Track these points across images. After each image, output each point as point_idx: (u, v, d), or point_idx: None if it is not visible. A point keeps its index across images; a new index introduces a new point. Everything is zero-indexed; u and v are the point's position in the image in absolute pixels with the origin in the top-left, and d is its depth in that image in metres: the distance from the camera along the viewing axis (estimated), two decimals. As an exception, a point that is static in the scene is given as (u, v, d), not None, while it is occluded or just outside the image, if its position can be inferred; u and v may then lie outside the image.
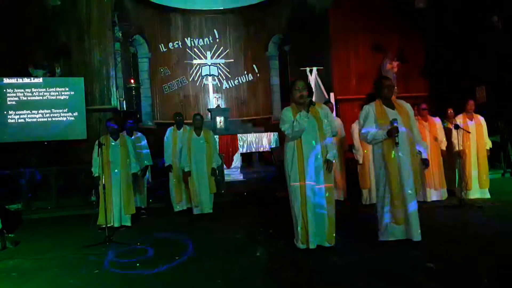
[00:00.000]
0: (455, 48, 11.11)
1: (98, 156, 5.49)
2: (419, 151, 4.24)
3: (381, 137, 4.12)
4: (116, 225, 5.80)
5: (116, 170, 5.85)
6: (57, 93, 10.03)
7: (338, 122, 7.03)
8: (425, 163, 4.29)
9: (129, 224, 5.98)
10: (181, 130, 6.94)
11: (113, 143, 5.90)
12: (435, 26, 11.66)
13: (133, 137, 6.84)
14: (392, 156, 4.10)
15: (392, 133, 4.02)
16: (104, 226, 5.33)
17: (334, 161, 4.16)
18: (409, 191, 4.05)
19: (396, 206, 4.08)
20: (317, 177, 4.06)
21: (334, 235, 4.07)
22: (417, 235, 4.03)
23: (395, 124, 4.02)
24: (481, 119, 6.83)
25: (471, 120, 6.76)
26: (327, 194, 4.07)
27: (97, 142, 5.67)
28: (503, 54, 9.59)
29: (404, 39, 11.69)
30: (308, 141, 4.08)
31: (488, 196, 6.66)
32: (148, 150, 7.28)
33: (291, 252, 4.12)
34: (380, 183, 4.24)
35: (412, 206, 4.05)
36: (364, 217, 5.57)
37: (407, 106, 4.29)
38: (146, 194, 7.26)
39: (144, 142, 7.23)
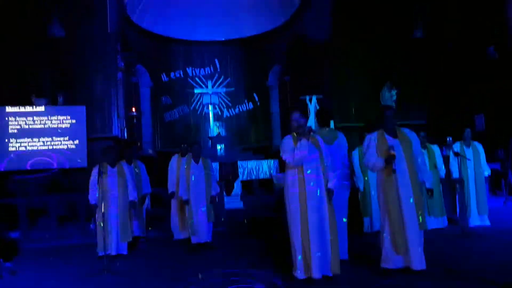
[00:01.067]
0: (454, 77, 11.27)
1: (98, 184, 5.49)
2: (423, 181, 4.24)
3: (380, 165, 4.15)
4: (113, 253, 5.73)
5: (113, 198, 5.83)
6: (59, 122, 10.13)
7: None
8: (428, 193, 4.33)
9: (125, 252, 5.91)
10: (186, 158, 6.97)
11: (110, 171, 5.90)
12: (433, 55, 11.86)
13: (132, 165, 6.85)
14: (391, 184, 4.10)
15: (389, 160, 4.04)
16: (102, 254, 5.26)
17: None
18: (409, 219, 4.03)
19: (396, 234, 4.05)
20: (319, 202, 4.03)
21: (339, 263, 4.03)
22: (418, 264, 3.98)
23: (392, 152, 4.04)
24: (479, 146, 6.86)
25: (468, 147, 6.80)
26: (329, 220, 4.05)
27: (93, 170, 5.71)
28: (501, 83, 9.72)
29: (403, 67, 11.85)
30: (309, 168, 4.08)
31: (487, 223, 6.62)
32: (147, 178, 7.28)
33: (291, 284, 4.01)
34: (381, 211, 4.25)
35: (412, 235, 4.01)
36: (366, 245, 5.51)
37: (411, 135, 4.31)
38: (145, 222, 7.20)
39: (143, 170, 7.23)
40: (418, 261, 3.99)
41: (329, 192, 4.08)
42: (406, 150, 4.16)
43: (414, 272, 3.97)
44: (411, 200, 4.07)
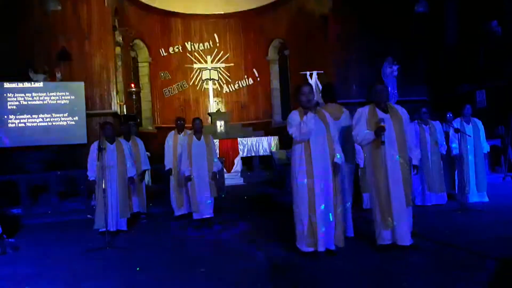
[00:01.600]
0: (455, 53, 11.14)
1: (98, 160, 5.48)
2: (410, 157, 4.26)
3: (370, 137, 4.15)
4: (112, 229, 5.77)
5: (112, 174, 5.82)
6: (58, 98, 10.06)
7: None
8: (415, 169, 4.37)
9: (125, 228, 5.96)
10: (182, 134, 6.96)
11: (109, 147, 5.87)
12: (434, 31, 11.69)
13: (130, 142, 6.84)
14: (379, 160, 4.12)
15: (379, 132, 4.04)
16: (103, 230, 5.32)
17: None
18: (397, 195, 4.06)
19: (385, 210, 4.09)
20: (326, 177, 4.05)
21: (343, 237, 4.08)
22: (404, 239, 4.04)
23: (382, 124, 4.04)
24: (479, 123, 6.84)
25: (468, 124, 6.77)
26: (335, 195, 4.07)
27: (92, 146, 5.73)
28: (503, 59, 9.61)
29: (404, 43, 11.69)
30: (316, 142, 4.06)
31: (486, 199, 6.67)
32: (146, 154, 7.28)
33: (294, 256, 4.08)
34: (370, 185, 4.31)
35: (398, 210, 4.05)
36: (365, 221, 5.55)
37: (402, 110, 4.32)
38: (146, 198, 7.23)
39: (142, 146, 7.22)
40: (404, 238, 4.04)
41: (336, 166, 4.08)
42: (396, 125, 4.17)
43: (402, 247, 4.02)
44: (400, 176, 4.08)
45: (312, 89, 4.24)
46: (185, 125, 7.25)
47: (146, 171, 7.53)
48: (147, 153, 7.43)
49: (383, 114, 4.19)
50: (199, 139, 6.25)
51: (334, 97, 4.98)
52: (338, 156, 4.10)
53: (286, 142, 10.81)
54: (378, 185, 4.14)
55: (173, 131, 7.15)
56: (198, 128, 6.27)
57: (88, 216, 7.08)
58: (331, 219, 4.04)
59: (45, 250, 5.17)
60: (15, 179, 7.79)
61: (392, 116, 4.19)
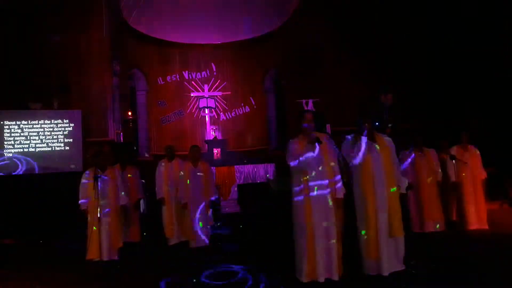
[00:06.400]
0: (450, 82, 11.30)
1: (94, 188, 5.45)
2: (399, 186, 4.29)
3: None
4: (104, 259, 5.65)
5: (104, 203, 5.75)
6: (55, 125, 10.07)
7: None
8: (402, 197, 4.40)
9: (116, 258, 5.82)
10: (173, 161, 6.94)
11: (100, 176, 5.83)
12: (429, 59, 11.89)
13: (125, 171, 6.83)
14: (368, 191, 4.17)
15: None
16: (95, 260, 5.22)
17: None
18: (382, 225, 4.07)
19: (369, 240, 4.10)
20: (325, 208, 4.04)
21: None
22: (387, 269, 4.01)
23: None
24: (475, 150, 6.87)
25: (465, 151, 6.80)
26: (335, 225, 4.06)
27: (84, 174, 5.71)
28: (495, 87, 9.77)
29: (398, 72, 11.87)
30: (316, 174, 4.08)
31: (485, 226, 6.60)
32: (141, 183, 7.23)
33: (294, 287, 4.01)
34: (358, 213, 4.32)
35: (384, 241, 4.05)
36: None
37: (388, 141, 4.40)
38: (140, 227, 7.13)
39: (137, 175, 7.19)
40: (387, 267, 4.02)
41: (337, 200, 4.12)
42: (384, 155, 4.24)
43: (388, 277, 3.99)
44: (385, 206, 4.12)
45: (313, 116, 4.30)
46: (177, 153, 7.23)
47: (141, 200, 7.46)
48: (142, 181, 7.39)
49: (371, 144, 4.26)
50: (196, 166, 6.24)
51: (321, 126, 5.05)
52: (339, 190, 4.14)
53: (282, 169, 10.78)
54: (365, 212, 4.16)
55: (163, 160, 7.14)
56: (195, 156, 6.27)
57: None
58: (330, 249, 4.01)
59: (35, 281, 5.04)
60: (8, 207, 7.69)
61: (380, 147, 4.27)
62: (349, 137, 4.40)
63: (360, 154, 4.22)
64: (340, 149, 4.57)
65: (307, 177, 4.08)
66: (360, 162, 4.22)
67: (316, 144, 4.12)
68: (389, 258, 4.05)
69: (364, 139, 4.27)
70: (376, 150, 4.23)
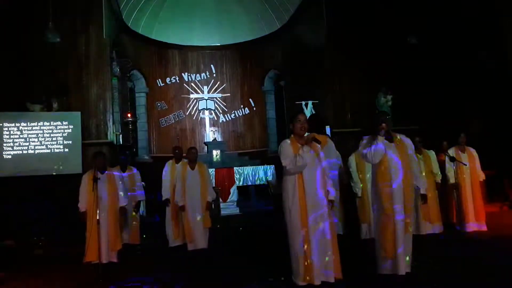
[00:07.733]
0: (448, 82, 11.29)
1: (92, 190, 5.43)
2: (417, 186, 4.26)
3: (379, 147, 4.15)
4: (103, 261, 5.63)
5: (103, 205, 5.71)
6: (54, 127, 10.05)
7: (337, 154, 6.97)
8: (423, 198, 4.40)
9: (115, 260, 5.81)
10: (180, 163, 6.91)
11: (100, 178, 5.80)
12: (428, 60, 11.88)
13: (125, 173, 6.80)
14: (386, 188, 4.12)
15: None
16: (94, 262, 5.21)
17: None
18: (400, 224, 4.02)
19: (386, 239, 4.05)
20: (319, 210, 4.01)
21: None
22: (404, 269, 3.97)
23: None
24: (473, 152, 6.86)
25: (463, 152, 6.79)
26: (330, 228, 4.03)
27: (83, 177, 5.70)
28: (496, 88, 9.77)
29: (398, 73, 11.85)
30: (309, 175, 4.06)
31: (484, 228, 6.59)
32: (141, 185, 7.21)
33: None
34: (375, 215, 4.29)
35: (401, 240, 4.00)
36: (363, 252, 5.48)
37: (407, 140, 4.34)
38: (139, 230, 7.11)
39: (138, 177, 7.17)
40: (403, 266, 3.98)
41: (330, 202, 4.09)
42: (402, 154, 4.17)
43: (403, 276, 3.95)
44: (402, 205, 4.07)
45: (307, 118, 4.28)
46: (183, 155, 7.22)
47: (141, 202, 7.44)
48: (142, 183, 7.36)
49: (389, 144, 4.20)
50: (193, 168, 6.23)
51: (320, 127, 5.01)
52: (332, 193, 4.12)
53: (282, 171, 10.77)
54: (383, 212, 4.11)
55: (170, 161, 7.10)
56: (193, 157, 6.26)
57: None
58: (326, 252, 3.98)
59: (34, 283, 5.03)
60: (7, 209, 7.68)
61: (398, 146, 4.21)
62: (365, 137, 4.35)
63: (378, 154, 4.15)
64: (340, 150, 4.56)
65: (302, 178, 4.04)
66: (378, 161, 4.17)
67: (316, 144, 4.10)
68: (406, 257, 4.01)
69: (381, 139, 4.23)
70: (393, 148, 4.17)
